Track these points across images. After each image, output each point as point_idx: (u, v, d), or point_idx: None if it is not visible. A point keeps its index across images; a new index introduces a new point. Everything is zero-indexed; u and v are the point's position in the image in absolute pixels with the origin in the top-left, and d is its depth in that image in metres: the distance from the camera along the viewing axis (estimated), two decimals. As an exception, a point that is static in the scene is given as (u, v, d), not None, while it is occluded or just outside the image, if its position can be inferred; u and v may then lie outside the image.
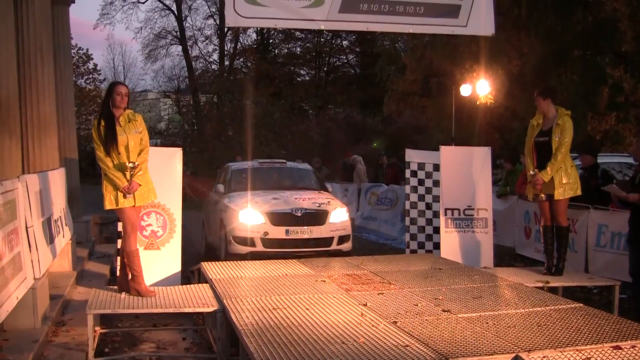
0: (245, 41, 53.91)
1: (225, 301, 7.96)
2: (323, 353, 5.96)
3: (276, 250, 12.54)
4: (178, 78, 56.74)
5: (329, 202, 13.65)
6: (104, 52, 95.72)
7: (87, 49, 50.94)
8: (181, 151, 10.52)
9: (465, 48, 24.52)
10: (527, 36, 23.18)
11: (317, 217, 13.12)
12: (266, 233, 12.77)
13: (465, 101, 25.14)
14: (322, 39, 52.41)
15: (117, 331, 9.16)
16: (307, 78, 55.14)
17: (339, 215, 13.40)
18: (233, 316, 7.29)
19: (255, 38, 53.62)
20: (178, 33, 52.53)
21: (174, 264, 10.05)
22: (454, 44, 25.55)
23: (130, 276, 8.67)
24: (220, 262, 10.77)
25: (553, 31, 21.61)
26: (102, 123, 8.23)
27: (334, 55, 55.29)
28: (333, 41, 53.41)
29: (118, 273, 9.14)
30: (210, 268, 10.16)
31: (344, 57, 55.77)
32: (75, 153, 14.73)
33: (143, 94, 60.52)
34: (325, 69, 55.62)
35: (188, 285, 9.44)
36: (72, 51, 17.13)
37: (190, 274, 11.31)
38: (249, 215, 12.93)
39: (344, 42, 53.88)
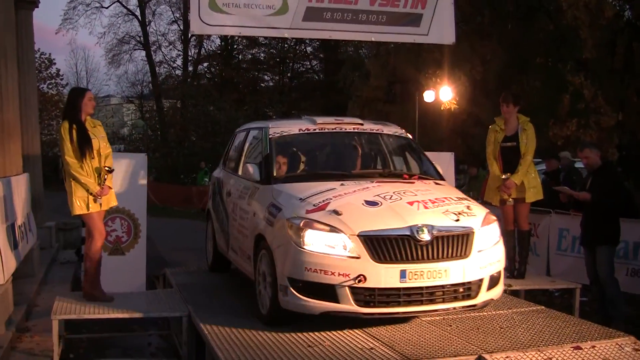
0: (209, 47, 53.79)
1: (190, 306, 7.97)
2: (289, 356, 6.03)
3: (382, 312, 6.81)
4: (141, 83, 56.42)
5: (467, 207, 7.39)
6: (66, 57, 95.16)
7: (50, 54, 50.61)
8: (146, 156, 10.53)
9: (429, 55, 24.77)
10: (489, 43, 23.48)
11: (456, 242, 6.91)
12: (362, 277, 6.59)
13: (429, 107, 25.34)
14: (286, 45, 52.40)
15: (83, 337, 9.13)
16: (271, 84, 55.05)
17: (490, 236, 7.27)
18: (199, 321, 7.32)
19: (219, 44, 53.46)
20: (142, 38, 52.24)
21: (139, 269, 10.04)
22: (417, 51, 25.76)
23: (87, 281, 8.59)
24: (186, 267, 10.76)
25: (515, 39, 21.90)
26: (75, 127, 8.18)
27: (298, 61, 55.30)
28: (297, 47, 53.41)
29: (83, 279, 9.11)
30: (176, 273, 10.16)
31: (308, 63, 55.81)
32: (39, 158, 14.64)
33: (106, 99, 60.14)
34: (289, 74, 55.61)
35: (153, 291, 9.44)
36: (35, 56, 17.05)
37: (155, 279, 11.29)
38: (329, 240, 6.78)
39: (308, 49, 53.92)
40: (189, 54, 52.94)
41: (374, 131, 9.24)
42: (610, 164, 10.44)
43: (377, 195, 7.27)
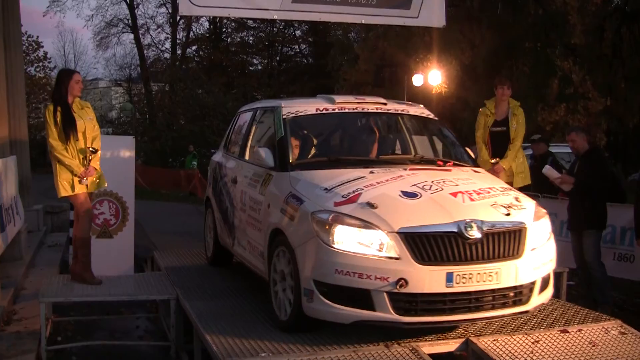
0: (197, 30, 53.74)
1: (179, 289, 7.97)
2: (276, 339, 6.04)
3: (425, 321, 5.95)
4: (130, 66, 56.45)
5: (516, 198, 6.61)
6: (54, 39, 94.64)
7: (37, 37, 50.32)
8: (134, 139, 10.51)
9: (418, 39, 24.76)
10: (479, 28, 23.49)
11: (508, 240, 6.08)
12: (403, 281, 5.71)
13: (418, 91, 25.33)
14: (274, 29, 52.34)
15: (70, 320, 9.10)
16: (260, 67, 55.06)
17: (542, 232, 6.50)
18: (187, 303, 7.32)
19: (208, 27, 53.38)
20: (130, 21, 52.05)
21: (127, 252, 10.02)
22: (406, 35, 25.74)
23: (77, 263, 8.57)
24: (174, 250, 10.72)
25: (504, 23, 21.92)
26: (59, 109, 8.15)
27: (287, 44, 55.26)
28: (286, 31, 53.35)
29: (71, 262, 9.08)
30: (164, 256, 10.14)
31: (297, 47, 55.78)
32: (26, 142, 14.55)
33: (94, 82, 59.88)
34: (277, 58, 55.59)
35: (142, 274, 9.43)
36: (22, 39, 16.96)
37: (143, 262, 11.27)
38: (364, 237, 5.88)
39: (297, 32, 53.87)
40: (178, 37, 52.89)
41: (399, 112, 8.32)
42: (597, 149, 10.43)
43: (415, 185, 6.38)
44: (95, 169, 8.24)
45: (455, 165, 7.38)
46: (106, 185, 8.74)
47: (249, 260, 7.76)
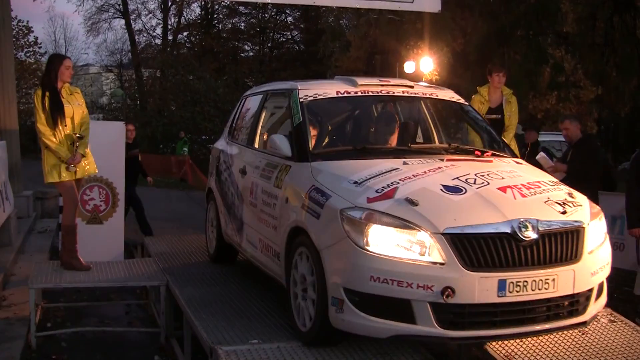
0: (189, 16, 53.60)
1: (169, 275, 7.95)
2: (266, 326, 6.04)
3: (475, 336, 5.26)
4: (121, 52, 56.31)
5: (569, 194, 5.89)
6: (44, 24, 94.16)
7: (27, 22, 50.05)
8: (124, 125, 10.47)
9: (410, 26, 24.72)
10: (471, 15, 23.46)
11: (565, 241, 5.38)
12: (449, 290, 5.00)
13: (409, 78, 25.20)
14: (266, 15, 52.24)
15: (60, 306, 9.10)
16: (251, 54, 55.00)
17: (599, 232, 5.80)
18: (177, 290, 7.31)
19: (199, 13, 53.25)
20: (121, 6, 51.82)
21: (117, 238, 10.01)
22: (398, 22, 25.69)
23: (65, 250, 8.54)
24: (165, 236, 10.70)
25: (496, 11, 21.89)
26: (47, 94, 8.10)
27: (278, 31, 55.18)
28: (277, 17, 53.26)
29: (60, 248, 9.06)
30: (154, 242, 10.13)
31: (288, 34, 55.69)
32: (16, 127, 14.46)
33: (85, 67, 59.78)
34: (269, 44, 55.52)
35: (131, 260, 9.42)
36: (12, 23, 16.87)
37: (133, 248, 11.26)
38: (404, 239, 5.16)
39: (289, 19, 53.81)
40: (169, 22, 52.71)
41: (427, 95, 7.56)
42: (590, 137, 10.46)
43: (457, 178, 5.65)
44: (83, 155, 8.19)
45: (493, 155, 6.64)
46: (96, 171, 8.70)
47: (260, 261, 7.01)
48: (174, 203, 21.20)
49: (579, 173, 9.29)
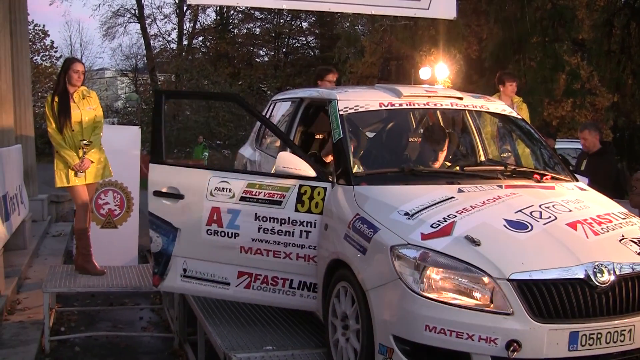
0: (204, 21, 53.70)
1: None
2: (281, 333, 6.01)
3: None
4: (136, 57, 56.49)
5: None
6: (60, 29, 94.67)
7: (44, 25, 50.39)
8: (139, 130, 10.48)
9: (425, 32, 24.64)
10: (486, 22, 23.41)
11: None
12: (516, 345, 4.39)
13: (424, 85, 25.25)
14: (281, 20, 52.24)
15: (74, 310, 9.11)
16: (266, 59, 54.94)
17: None
18: (191, 295, 7.29)
19: (215, 18, 53.34)
20: (136, 11, 52.01)
21: (131, 243, 10.03)
22: (413, 28, 25.65)
23: (79, 255, 8.54)
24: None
25: (512, 18, 21.81)
26: (56, 99, 8.12)
27: (293, 36, 55.12)
28: (292, 22, 53.23)
29: (75, 251, 9.07)
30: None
31: (303, 39, 55.63)
32: (32, 130, 14.54)
33: (100, 72, 59.98)
34: (284, 50, 55.46)
35: (145, 264, 9.40)
36: (29, 27, 16.97)
37: (147, 253, 11.24)
38: (464, 285, 4.58)
39: (304, 24, 53.73)
40: (184, 27, 52.82)
41: (478, 108, 6.85)
42: (608, 149, 10.33)
43: (520, 210, 5.04)
44: (92, 161, 8.18)
45: (553, 179, 6.04)
46: (112, 175, 8.72)
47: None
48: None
49: (592, 183, 9.26)
